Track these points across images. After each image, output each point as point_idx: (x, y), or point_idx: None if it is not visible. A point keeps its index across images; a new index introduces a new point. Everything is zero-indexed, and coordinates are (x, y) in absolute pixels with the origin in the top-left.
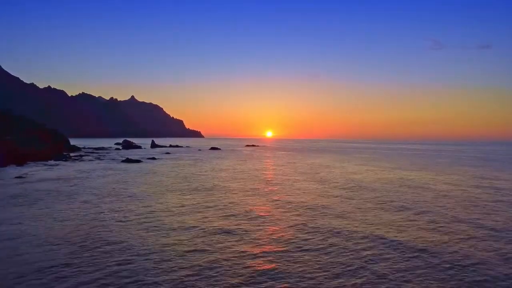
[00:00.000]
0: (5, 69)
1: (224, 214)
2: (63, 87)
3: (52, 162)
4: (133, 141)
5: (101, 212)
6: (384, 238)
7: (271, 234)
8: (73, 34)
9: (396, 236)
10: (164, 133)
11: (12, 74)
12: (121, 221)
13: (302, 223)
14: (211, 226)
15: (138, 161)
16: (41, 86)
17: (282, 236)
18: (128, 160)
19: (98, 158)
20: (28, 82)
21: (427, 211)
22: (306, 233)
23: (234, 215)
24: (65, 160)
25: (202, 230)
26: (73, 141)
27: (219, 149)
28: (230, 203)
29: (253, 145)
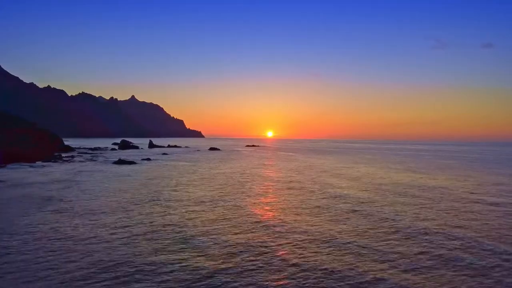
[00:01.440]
0: (5, 68)
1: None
2: (63, 87)
3: (39, 163)
4: (132, 141)
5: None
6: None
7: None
8: (73, 34)
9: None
10: (165, 133)
11: (12, 73)
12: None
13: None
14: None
15: (131, 162)
16: (40, 86)
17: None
18: (120, 162)
19: (90, 159)
20: (27, 81)
21: (448, 236)
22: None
23: (159, 240)
24: (54, 162)
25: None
26: (71, 141)
27: (219, 149)
28: (177, 220)
29: (253, 145)
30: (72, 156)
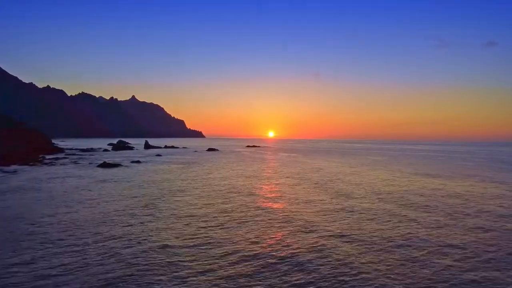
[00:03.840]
0: (4, 68)
1: None
2: (63, 87)
3: (14, 167)
4: (131, 142)
5: None
6: None
7: None
8: (73, 34)
9: None
10: (165, 133)
11: (11, 73)
12: None
13: None
14: None
15: (116, 165)
16: (40, 86)
17: None
18: (104, 165)
19: (74, 162)
20: (27, 81)
21: None
22: None
23: None
24: (32, 165)
25: None
26: (69, 142)
27: (217, 150)
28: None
29: (254, 146)
30: (56, 158)
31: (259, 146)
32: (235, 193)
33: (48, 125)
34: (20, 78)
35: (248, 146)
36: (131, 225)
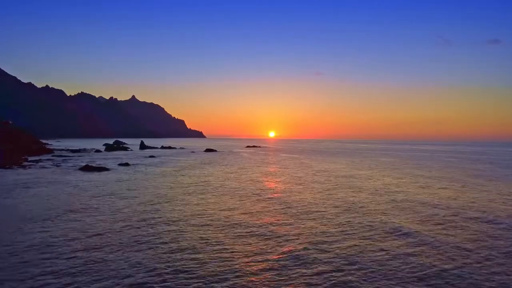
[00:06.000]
0: (2, 68)
1: None
2: (63, 87)
3: None
4: (130, 142)
5: None
6: None
7: None
8: (73, 34)
9: None
10: (165, 133)
11: (9, 73)
12: None
13: None
14: None
15: (100, 169)
16: (39, 86)
17: None
18: (86, 168)
19: (57, 165)
20: (25, 81)
21: None
22: None
23: None
24: (9, 168)
25: None
26: (65, 142)
27: (215, 150)
28: None
29: (254, 146)
30: (38, 161)
31: (259, 147)
32: (197, 216)
33: (47, 125)
34: (18, 77)
35: (248, 147)
36: None
